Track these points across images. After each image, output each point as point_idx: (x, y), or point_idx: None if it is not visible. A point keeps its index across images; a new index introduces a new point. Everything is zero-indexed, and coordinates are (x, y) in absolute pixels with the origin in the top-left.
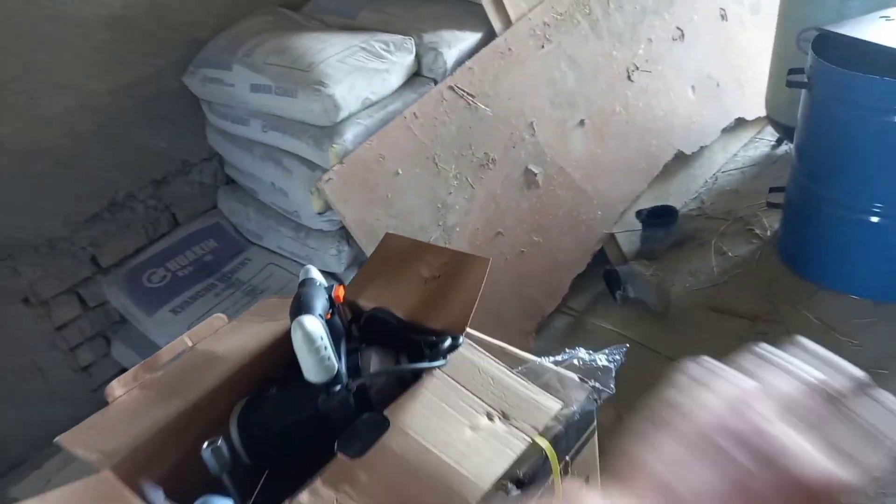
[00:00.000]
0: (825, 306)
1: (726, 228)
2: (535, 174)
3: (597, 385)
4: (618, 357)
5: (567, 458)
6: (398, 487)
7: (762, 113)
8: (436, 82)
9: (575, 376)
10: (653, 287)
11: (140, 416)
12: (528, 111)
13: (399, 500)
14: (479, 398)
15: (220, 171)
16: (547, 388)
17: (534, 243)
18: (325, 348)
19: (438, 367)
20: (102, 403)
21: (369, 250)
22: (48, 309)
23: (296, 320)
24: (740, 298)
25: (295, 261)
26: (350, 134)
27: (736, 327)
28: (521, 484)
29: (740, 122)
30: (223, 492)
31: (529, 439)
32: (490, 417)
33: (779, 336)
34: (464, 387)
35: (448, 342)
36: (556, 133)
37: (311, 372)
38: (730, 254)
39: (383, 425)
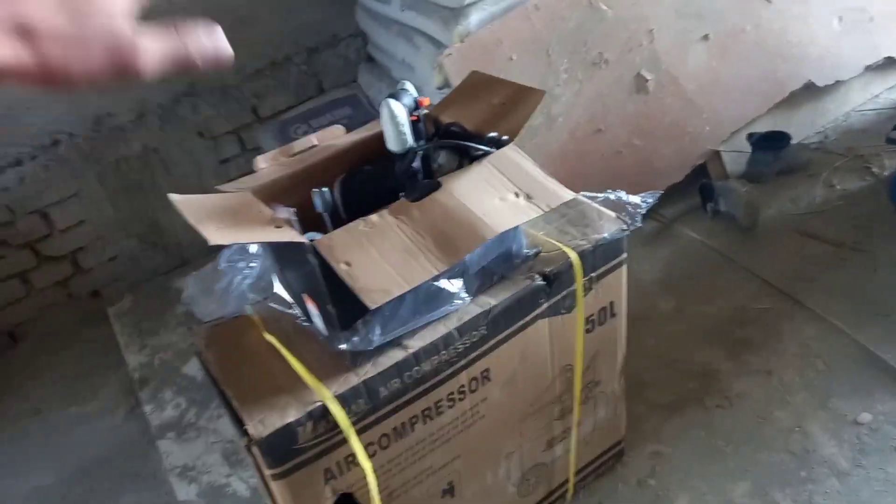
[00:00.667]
0: None
1: (842, 164)
2: (647, 80)
3: (627, 220)
4: (650, 200)
5: (592, 275)
6: (438, 223)
7: None
8: None
9: (609, 211)
10: (743, 201)
11: (273, 175)
12: (650, 17)
13: (437, 230)
14: (512, 182)
15: (363, 48)
16: (583, 217)
17: (633, 146)
18: (403, 125)
19: (486, 152)
20: None
21: None
22: (217, 144)
23: (385, 100)
24: (834, 227)
25: None
26: (475, 17)
27: (819, 251)
28: (547, 279)
29: (890, 62)
30: (324, 230)
31: (541, 211)
32: (517, 195)
33: (863, 266)
34: (502, 173)
35: (499, 140)
36: (676, 43)
37: (391, 141)
38: (838, 187)
39: (437, 186)
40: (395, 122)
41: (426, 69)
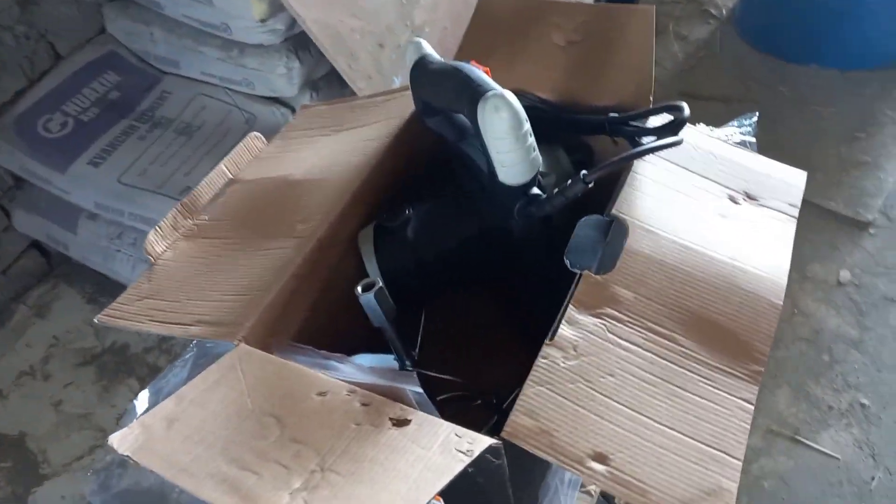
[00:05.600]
0: (795, 80)
1: (680, 12)
2: None
3: None
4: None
5: None
6: (677, 298)
7: None
8: None
9: None
10: None
11: (221, 270)
12: None
13: (687, 313)
14: (710, 179)
15: None
16: None
17: None
18: (531, 134)
19: (675, 144)
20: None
21: (338, 61)
22: None
23: (495, 96)
24: (711, 82)
25: (229, 88)
26: None
27: (712, 110)
28: None
29: None
30: (377, 345)
31: (794, 217)
32: (734, 200)
33: (762, 114)
34: (685, 168)
35: (666, 115)
36: None
37: (516, 168)
38: (690, 38)
39: (619, 227)
40: (522, 135)
41: None
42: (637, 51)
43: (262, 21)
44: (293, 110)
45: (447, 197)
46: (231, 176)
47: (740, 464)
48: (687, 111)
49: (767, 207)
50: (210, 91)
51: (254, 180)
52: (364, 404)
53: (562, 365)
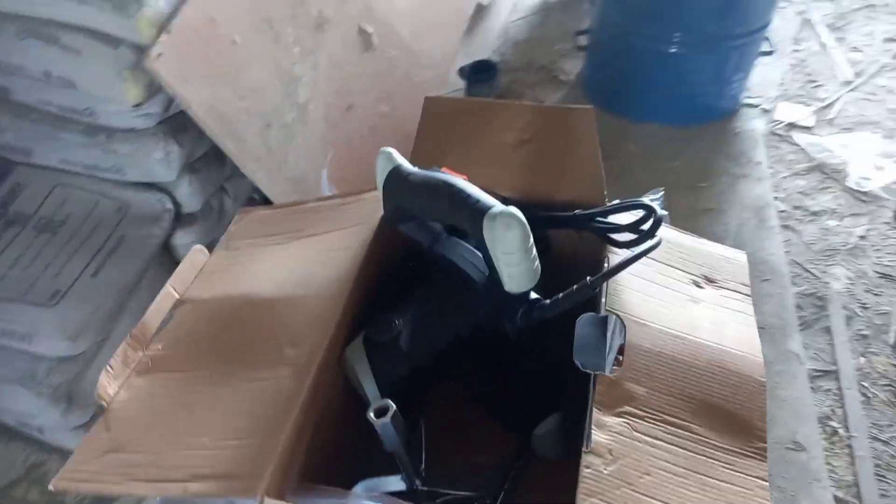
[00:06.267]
0: (640, 138)
1: (534, 79)
2: (370, 33)
3: None
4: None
5: None
6: (684, 389)
7: None
8: None
9: None
10: None
11: (199, 409)
12: None
13: (693, 401)
14: (673, 266)
15: None
16: None
17: (382, 114)
18: (534, 247)
19: (657, 246)
20: None
21: (226, 144)
22: None
23: (505, 213)
24: None
25: (94, 176)
26: None
27: None
28: None
29: None
30: (381, 468)
31: (749, 296)
32: (698, 284)
33: (614, 169)
34: (651, 258)
35: (646, 215)
36: None
37: (523, 278)
38: (545, 102)
39: (618, 324)
40: (529, 248)
41: (102, 80)
42: (585, 147)
43: (137, 105)
44: (170, 195)
45: (431, 299)
46: (178, 296)
47: None
48: (660, 211)
49: (726, 289)
50: (72, 180)
51: (209, 300)
52: None
53: (605, 472)
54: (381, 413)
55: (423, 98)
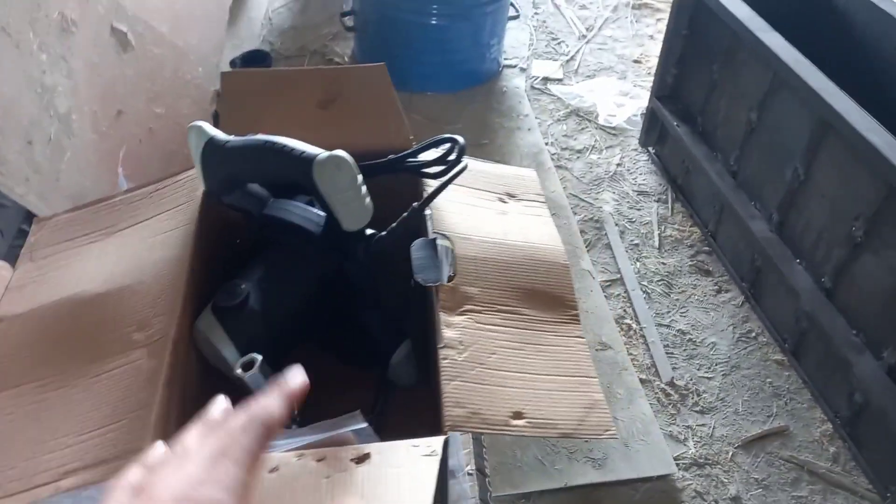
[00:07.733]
0: (423, 107)
1: (309, 63)
2: (124, 32)
3: None
4: None
5: None
6: (509, 282)
7: None
8: None
9: None
10: None
11: (52, 414)
12: None
13: (518, 290)
14: (479, 189)
15: None
16: None
17: (157, 116)
18: (363, 182)
19: (464, 169)
20: None
21: None
22: None
23: (333, 156)
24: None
25: None
26: None
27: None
28: None
29: None
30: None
31: (545, 203)
32: (503, 200)
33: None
34: (460, 185)
35: (451, 147)
36: None
37: (355, 215)
38: None
39: (446, 244)
40: (358, 185)
41: None
42: (384, 99)
43: None
44: None
45: (274, 259)
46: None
47: (598, 379)
48: (461, 140)
49: (525, 200)
50: None
51: (27, 312)
52: (319, 460)
53: (459, 359)
54: (247, 367)
55: (199, 93)
